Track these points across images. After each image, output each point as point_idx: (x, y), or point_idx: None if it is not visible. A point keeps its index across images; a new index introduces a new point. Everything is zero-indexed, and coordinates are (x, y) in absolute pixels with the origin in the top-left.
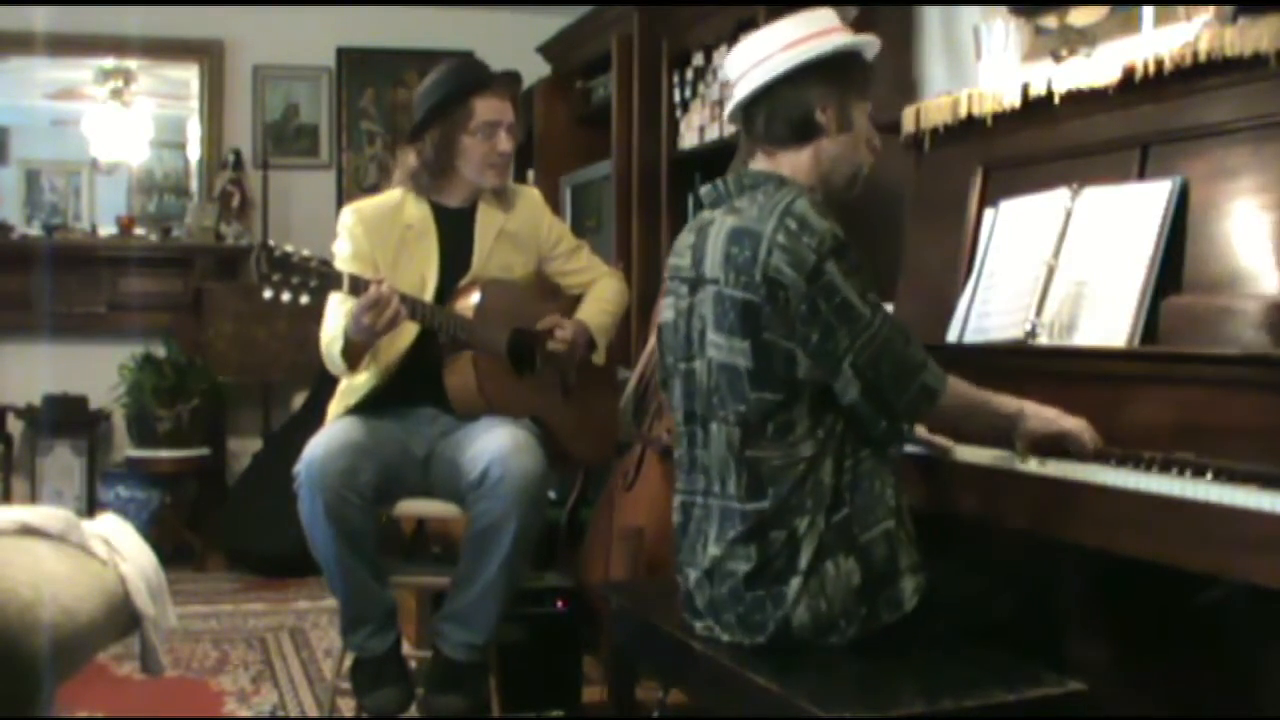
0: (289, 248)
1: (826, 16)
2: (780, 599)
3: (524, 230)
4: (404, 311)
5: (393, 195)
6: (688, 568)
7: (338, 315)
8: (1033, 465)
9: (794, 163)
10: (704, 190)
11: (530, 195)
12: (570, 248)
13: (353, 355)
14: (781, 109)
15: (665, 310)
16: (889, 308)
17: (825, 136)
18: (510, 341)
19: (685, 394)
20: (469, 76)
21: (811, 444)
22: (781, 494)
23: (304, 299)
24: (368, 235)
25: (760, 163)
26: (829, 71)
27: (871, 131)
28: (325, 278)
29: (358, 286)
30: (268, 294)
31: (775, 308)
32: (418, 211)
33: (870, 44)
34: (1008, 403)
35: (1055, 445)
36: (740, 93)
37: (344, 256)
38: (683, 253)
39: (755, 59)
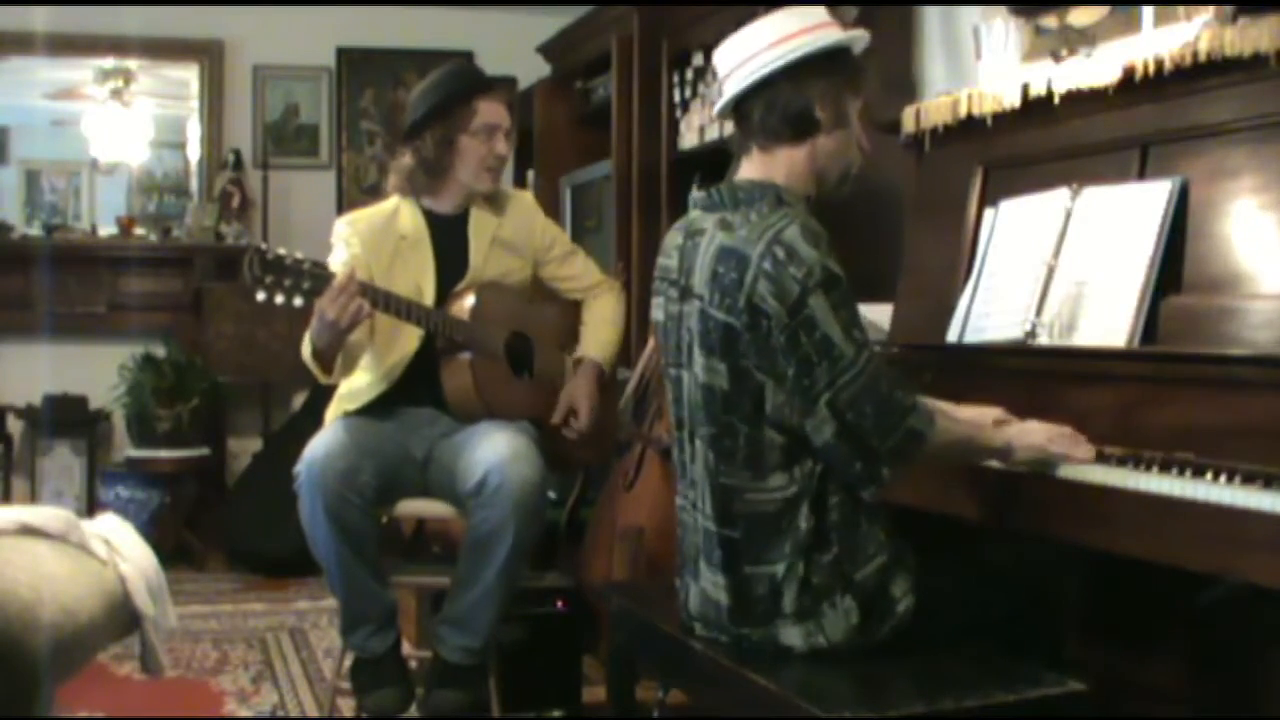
0: (281, 250)
1: (817, 12)
2: (773, 637)
3: (518, 235)
4: (365, 306)
5: (388, 203)
6: (685, 575)
7: None
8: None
9: (790, 159)
10: (696, 195)
11: (523, 199)
12: (565, 252)
13: (322, 357)
14: (780, 104)
15: (656, 309)
16: (888, 309)
17: (822, 133)
18: (507, 343)
19: (675, 400)
20: (472, 78)
21: (783, 479)
22: (751, 530)
23: (297, 301)
24: (363, 245)
25: (754, 162)
26: (826, 66)
27: (861, 130)
28: (317, 279)
29: None
30: (260, 296)
31: (755, 336)
32: (412, 220)
33: (859, 39)
34: (993, 437)
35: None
36: (731, 89)
37: (338, 264)
38: (670, 254)
39: (744, 55)
